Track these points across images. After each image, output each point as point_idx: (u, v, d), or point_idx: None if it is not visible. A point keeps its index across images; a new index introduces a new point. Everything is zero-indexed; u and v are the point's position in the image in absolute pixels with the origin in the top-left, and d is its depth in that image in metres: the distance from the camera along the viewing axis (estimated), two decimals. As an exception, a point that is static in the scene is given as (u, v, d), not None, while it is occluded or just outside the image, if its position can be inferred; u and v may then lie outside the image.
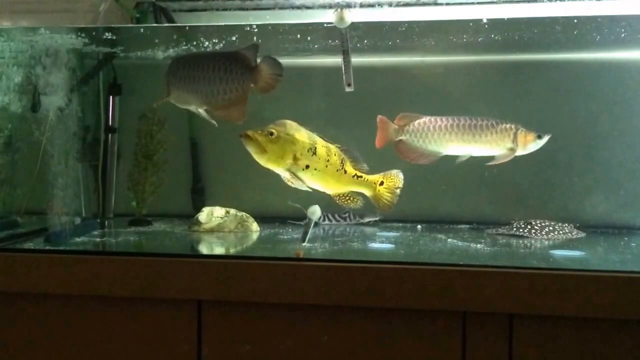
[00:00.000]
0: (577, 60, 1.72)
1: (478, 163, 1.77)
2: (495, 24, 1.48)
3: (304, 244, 1.31)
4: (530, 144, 1.55)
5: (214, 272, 1.23)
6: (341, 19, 1.22)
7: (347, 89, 1.23)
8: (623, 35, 1.51)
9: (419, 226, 1.72)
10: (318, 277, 1.22)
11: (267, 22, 1.41)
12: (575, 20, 1.45)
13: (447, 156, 1.75)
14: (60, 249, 1.36)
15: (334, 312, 1.22)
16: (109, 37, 1.67)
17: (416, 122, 1.57)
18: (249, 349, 1.23)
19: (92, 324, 1.28)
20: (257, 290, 1.22)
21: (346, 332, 1.22)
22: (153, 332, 1.26)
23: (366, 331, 1.22)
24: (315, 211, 1.28)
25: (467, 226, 1.72)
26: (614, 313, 1.13)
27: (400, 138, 1.58)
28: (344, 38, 1.22)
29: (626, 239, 1.54)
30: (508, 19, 1.50)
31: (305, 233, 1.29)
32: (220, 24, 1.63)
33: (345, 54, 1.22)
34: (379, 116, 1.59)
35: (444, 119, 1.57)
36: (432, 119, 1.58)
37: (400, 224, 1.75)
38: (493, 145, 1.56)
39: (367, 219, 1.73)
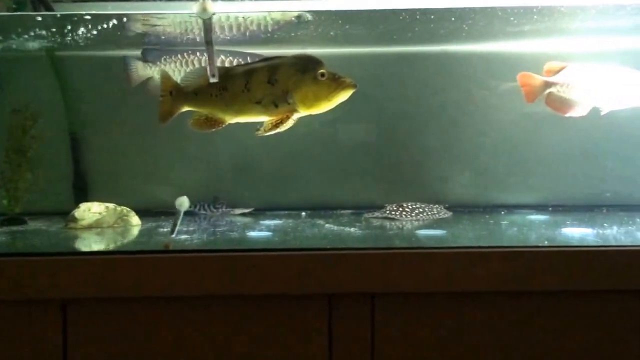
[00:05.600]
0: (442, 52, 1.81)
1: (358, 148, 1.84)
2: (361, 16, 1.53)
3: (173, 236, 1.31)
4: None
5: (78, 270, 1.21)
6: (204, 9, 1.23)
7: (212, 80, 1.24)
8: (483, 26, 1.61)
9: (303, 213, 1.76)
10: (188, 268, 1.23)
11: (136, 12, 1.40)
12: (433, 16, 1.53)
13: (334, 139, 1.80)
14: None
15: (205, 302, 1.23)
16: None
17: (563, 72, 1.45)
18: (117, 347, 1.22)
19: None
20: (124, 285, 1.21)
21: (219, 322, 1.24)
22: (17, 335, 1.22)
23: (238, 319, 1.24)
24: (183, 202, 1.28)
25: (350, 211, 1.78)
26: (469, 286, 1.22)
27: (550, 90, 1.46)
28: (207, 29, 1.23)
29: (487, 216, 1.66)
30: (372, 10, 1.56)
31: (175, 224, 1.30)
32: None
33: (209, 45, 1.23)
34: (521, 73, 1.50)
35: (597, 66, 1.44)
36: (583, 66, 1.45)
37: (286, 212, 1.79)
38: None
39: (238, 211, 1.75)
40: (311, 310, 1.23)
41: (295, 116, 1.33)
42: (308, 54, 1.32)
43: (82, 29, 1.58)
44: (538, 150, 1.81)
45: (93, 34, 1.60)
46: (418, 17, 1.50)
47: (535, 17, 1.55)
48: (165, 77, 1.38)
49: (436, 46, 1.80)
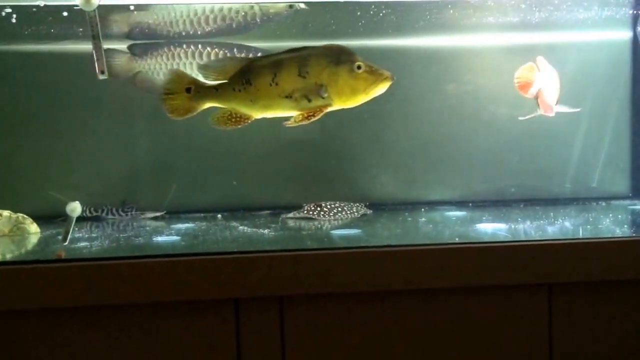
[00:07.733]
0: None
1: (278, 147, 1.78)
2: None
3: (65, 244, 1.22)
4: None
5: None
6: (87, 1, 1.14)
7: (101, 77, 1.15)
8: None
9: (219, 215, 1.69)
10: (84, 278, 1.14)
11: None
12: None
13: (253, 138, 1.74)
14: None
15: (104, 312, 1.15)
16: None
17: (543, 73, 1.51)
18: None
19: None
20: (15, 297, 1.12)
21: (120, 332, 1.16)
22: None
23: (140, 328, 1.16)
24: (75, 208, 1.19)
25: (269, 212, 1.73)
26: (379, 286, 1.18)
27: (539, 87, 1.51)
28: (93, 22, 1.14)
29: (406, 214, 1.64)
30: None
31: (67, 232, 1.20)
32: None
33: (96, 39, 1.14)
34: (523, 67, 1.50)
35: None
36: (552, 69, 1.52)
37: (202, 215, 1.72)
38: None
39: (149, 214, 1.67)
40: (217, 316, 1.17)
41: (328, 109, 1.25)
42: (338, 44, 1.23)
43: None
44: (459, 147, 1.82)
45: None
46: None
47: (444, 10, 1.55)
48: (179, 73, 1.28)
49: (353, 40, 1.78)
